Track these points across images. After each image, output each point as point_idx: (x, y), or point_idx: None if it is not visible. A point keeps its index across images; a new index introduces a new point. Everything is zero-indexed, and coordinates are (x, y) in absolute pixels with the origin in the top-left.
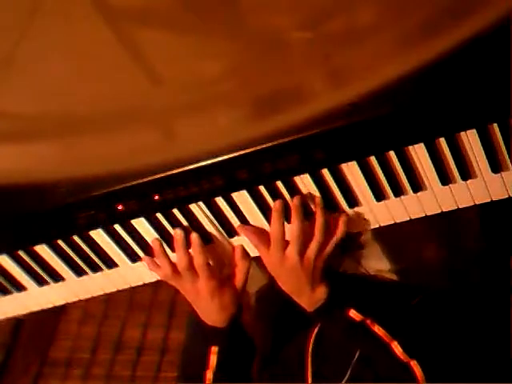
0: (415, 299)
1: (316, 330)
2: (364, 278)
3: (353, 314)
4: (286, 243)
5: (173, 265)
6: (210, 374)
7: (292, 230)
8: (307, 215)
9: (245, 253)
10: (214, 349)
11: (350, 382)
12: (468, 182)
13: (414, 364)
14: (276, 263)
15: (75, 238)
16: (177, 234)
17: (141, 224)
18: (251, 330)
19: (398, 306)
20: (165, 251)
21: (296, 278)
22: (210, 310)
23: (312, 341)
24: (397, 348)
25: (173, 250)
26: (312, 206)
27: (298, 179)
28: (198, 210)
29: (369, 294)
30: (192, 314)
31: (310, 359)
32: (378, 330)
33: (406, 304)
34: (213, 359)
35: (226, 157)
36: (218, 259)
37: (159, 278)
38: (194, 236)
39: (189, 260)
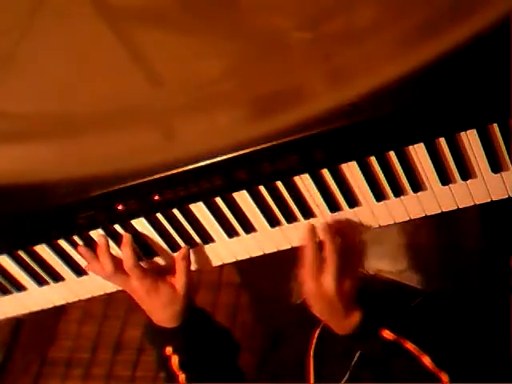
0: (439, 306)
1: (318, 331)
2: (391, 292)
3: (386, 334)
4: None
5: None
6: (180, 373)
7: (327, 255)
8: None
9: (186, 254)
10: (169, 349)
11: (348, 382)
12: (468, 182)
13: (442, 375)
14: (313, 291)
15: (75, 237)
16: (100, 240)
17: (141, 224)
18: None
19: (427, 322)
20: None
21: (332, 305)
22: (153, 308)
23: (314, 342)
24: (427, 361)
25: (173, 251)
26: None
27: (297, 179)
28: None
29: (398, 311)
30: (146, 318)
31: (312, 360)
32: (409, 345)
33: (434, 318)
34: (174, 359)
35: (225, 157)
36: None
37: None
38: (125, 236)
39: (114, 265)
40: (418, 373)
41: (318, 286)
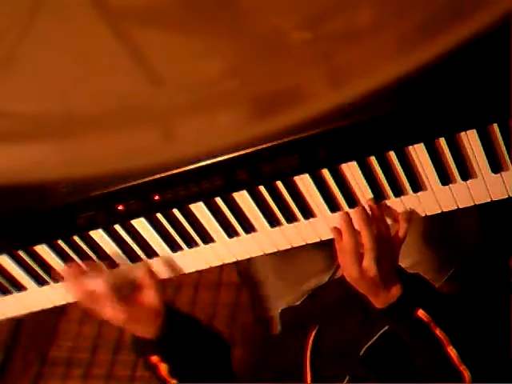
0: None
1: (314, 332)
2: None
3: (421, 313)
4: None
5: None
6: (170, 379)
7: (364, 242)
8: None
9: (148, 269)
10: (155, 358)
11: (350, 382)
12: (468, 182)
13: (464, 369)
14: (356, 277)
15: (75, 237)
16: (66, 270)
17: (141, 224)
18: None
19: (459, 313)
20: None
21: (374, 284)
22: (132, 328)
23: (311, 342)
24: (452, 352)
25: (173, 251)
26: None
27: (297, 179)
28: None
29: (436, 295)
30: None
31: (308, 361)
32: (439, 332)
33: (465, 311)
34: (162, 367)
35: (225, 157)
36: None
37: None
38: (100, 265)
39: (85, 294)
40: (440, 363)
41: (359, 271)
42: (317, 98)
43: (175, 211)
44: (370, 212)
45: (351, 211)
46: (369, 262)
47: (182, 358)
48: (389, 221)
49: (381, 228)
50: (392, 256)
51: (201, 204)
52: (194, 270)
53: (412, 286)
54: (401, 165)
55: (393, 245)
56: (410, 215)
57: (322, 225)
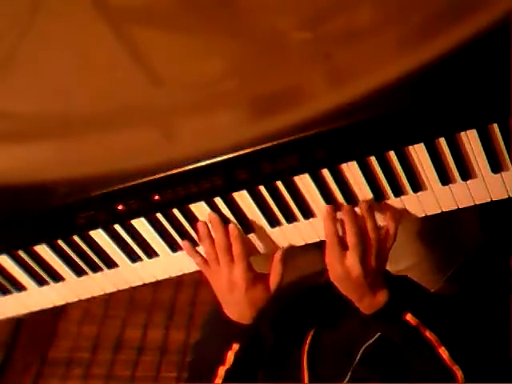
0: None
1: (312, 332)
2: (412, 281)
3: (409, 317)
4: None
5: (214, 251)
6: (222, 371)
7: (349, 238)
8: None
9: (282, 256)
10: (236, 346)
11: (350, 382)
12: (468, 182)
13: (456, 369)
14: (339, 275)
15: (75, 237)
16: (212, 216)
17: (141, 224)
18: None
19: (449, 313)
20: (210, 235)
21: (358, 286)
22: (240, 303)
23: (308, 342)
24: (444, 353)
25: (173, 251)
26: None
27: (297, 179)
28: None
29: (423, 298)
30: (216, 308)
31: (305, 360)
32: (429, 334)
33: (455, 311)
34: (230, 356)
35: (225, 157)
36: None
37: (158, 279)
38: (232, 226)
39: (228, 243)
40: (433, 364)
41: (342, 269)
42: (317, 98)
43: (175, 211)
44: (358, 210)
45: (316, 222)
46: (353, 260)
47: (252, 351)
48: (379, 222)
49: (368, 226)
50: (380, 258)
51: (201, 204)
52: (194, 269)
53: (399, 291)
54: (401, 165)
55: (382, 246)
56: (399, 215)
57: (321, 225)
